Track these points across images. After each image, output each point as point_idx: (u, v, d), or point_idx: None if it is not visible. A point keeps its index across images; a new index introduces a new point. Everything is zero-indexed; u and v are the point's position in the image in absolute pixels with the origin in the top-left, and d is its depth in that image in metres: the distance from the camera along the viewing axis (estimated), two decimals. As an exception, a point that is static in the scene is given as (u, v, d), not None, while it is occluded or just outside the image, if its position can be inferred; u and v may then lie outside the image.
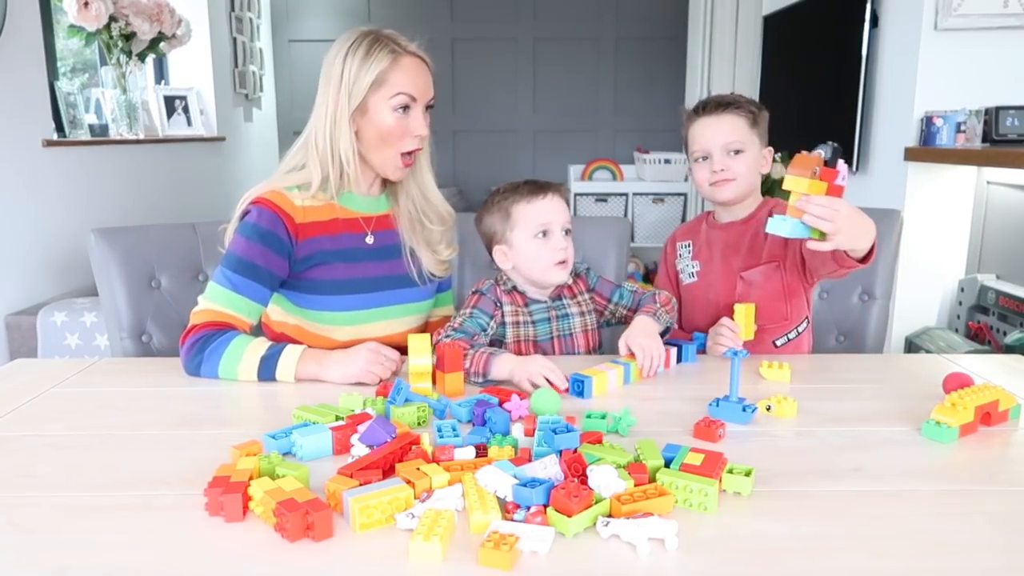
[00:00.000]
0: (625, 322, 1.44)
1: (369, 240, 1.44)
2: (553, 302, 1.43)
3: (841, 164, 1.13)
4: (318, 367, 1.26)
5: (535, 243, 1.36)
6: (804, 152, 1.13)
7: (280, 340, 1.36)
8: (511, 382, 1.23)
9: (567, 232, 1.38)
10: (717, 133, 1.45)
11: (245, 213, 1.37)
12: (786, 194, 1.16)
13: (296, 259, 1.37)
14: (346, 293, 1.40)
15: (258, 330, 1.40)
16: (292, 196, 1.36)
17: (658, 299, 1.40)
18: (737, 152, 1.44)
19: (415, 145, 1.39)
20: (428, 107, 1.42)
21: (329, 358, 1.27)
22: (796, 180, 1.11)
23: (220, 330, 1.29)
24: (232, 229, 1.37)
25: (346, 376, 1.25)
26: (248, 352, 1.26)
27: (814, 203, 1.11)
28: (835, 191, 1.13)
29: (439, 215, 1.52)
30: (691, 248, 1.58)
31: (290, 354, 1.26)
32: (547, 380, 1.19)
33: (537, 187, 1.38)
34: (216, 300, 1.32)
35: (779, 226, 1.14)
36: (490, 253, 1.44)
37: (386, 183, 1.48)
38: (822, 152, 1.12)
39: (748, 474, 0.86)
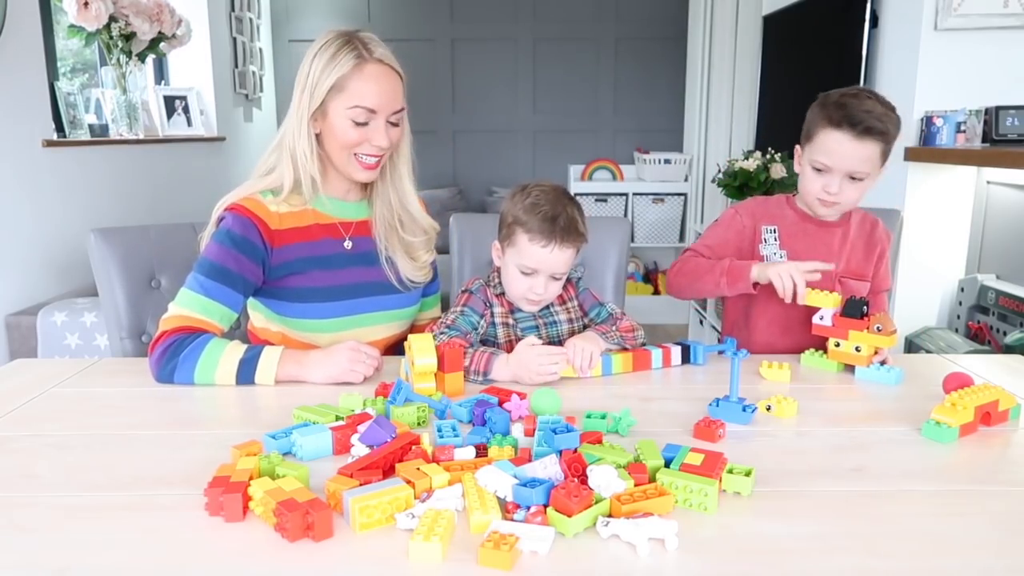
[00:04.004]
0: None
1: (347, 245, 1.41)
2: (540, 311, 1.42)
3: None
4: (299, 368, 1.25)
5: (517, 273, 1.34)
6: (881, 313, 1.31)
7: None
8: (513, 382, 1.24)
9: (555, 277, 1.35)
10: (849, 159, 1.36)
11: (220, 219, 1.35)
12: None
13: (271, 266, 1.35)
14: (325, 300, 1.38)
15: (232, 337, 1.36)
16: (267, 202, 1.34)
17: (619, 324, 1.39)
18: (857, 179, 1.38)
19: (374, 152, 1.35)
20: (393, 123, 1.35)
21: (309, 358, 1.25)
22: (893, 338, 1.28)
23: (193, 334, 1.26)
24: (208, 235, 1.35)
25: (328, 376, 1.24)
26: (225, 356, 1.23)
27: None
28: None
29: (420, 227, 1.49)
30: (778, 235, 1.48)
31: (269, 357, 1.24)
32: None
33: (548, 231, 1.29)
34: (188, 305, 1.29)
35: (888, 376, 1.27)
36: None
37: (366, 188, 1.46)
38: (865, 308, 1.31)
39: (748, 474, 0.86)
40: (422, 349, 1.17)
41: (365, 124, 1.31)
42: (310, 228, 1.38)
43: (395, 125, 1.36)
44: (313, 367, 1.25)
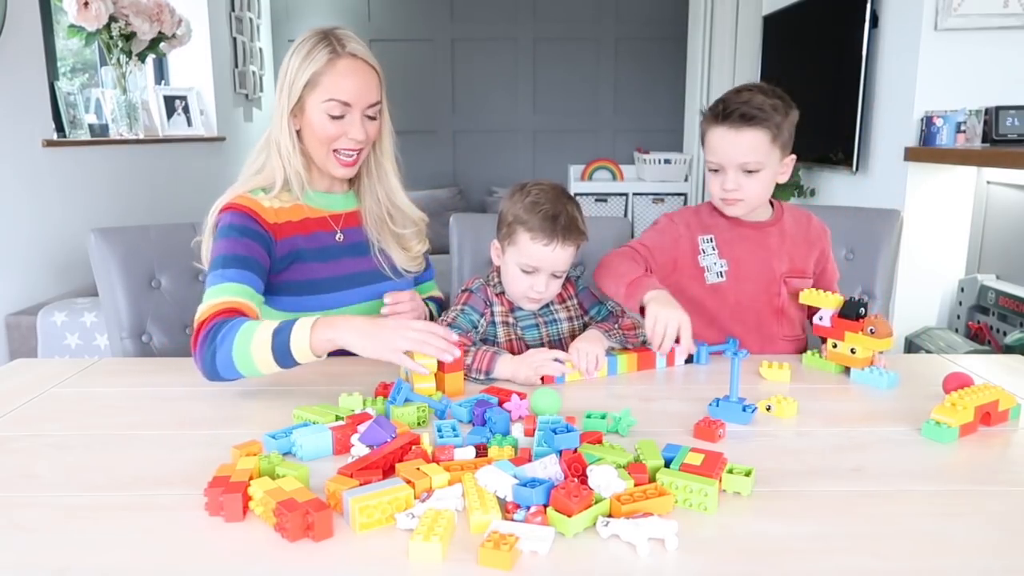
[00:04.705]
0: None
1: (339, 238, 1.43)
2: (540, 310, 1.42)
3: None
4: (334, 332, 1.13)
5: (518, 271, 1.35)
6: (874, 316, 1.29)
7: None
8: (512, 381, 1.24)
9: (556, 275, 1.35)
10: (734, 150, 1.34)
11: (217, 222, 1.34)
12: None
13: (276, 257, 1.35)
14: (325, 292, 1.39)
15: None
16: (260, 199, 1.35)
17: (621, 322, 1.39)
18: (752, 172, 1.35)
19: (351, 146, 1.36)
20: (370, 117, 1.35)
21: (349, 325, 1.14)
22: (888, 341, 1.27)
23: (230, 317, 1.20)
24: (207, 242, 1.34)
25: (380, 356, 1.12)
26: (260, 328, 1.15)
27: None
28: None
29: (410, 220, 1.50)
30: (715, 244, 1.45)
31: (302, 323, 1.14)
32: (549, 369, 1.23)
33: (549, 230, 1.29)
34: (217, 295, 1.24)
35: (880, 380, 1.25)
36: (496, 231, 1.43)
37: (352, 182, 1.48)
38: (863, 311, 1.29)
39: (748, 474, 0.86)
40: None
41: (341, 117, 1.33)
42: (304, 222, 1.40)
43: (372, 119, 1.37)
44: (367, 335, 1.12)
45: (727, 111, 1.33)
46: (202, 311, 1.23)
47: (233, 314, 1.21)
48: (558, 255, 1.31)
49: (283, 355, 1.14)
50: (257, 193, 1.36)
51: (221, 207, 1.35)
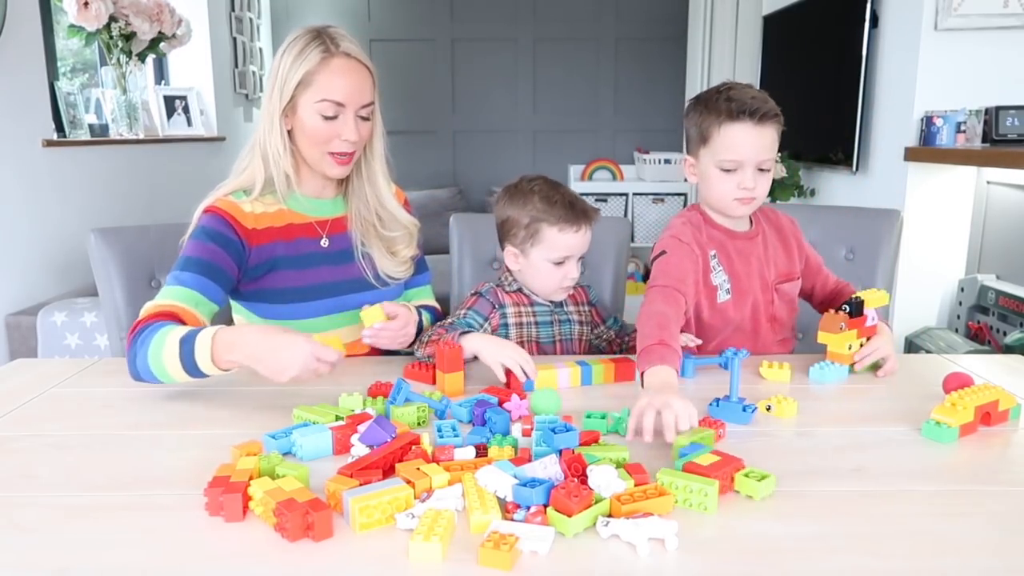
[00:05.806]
0: (609, 349, 1.49)
1: (324, 243, 1.41)
2: (555, 307, 1.44)
3: (868, 310, 1.31)
4: (230, 353, 1.09)
5: (549, 266, 1.37)
6: (830, 312, 1.30)
7: None
8: (480, 361, 1.24)
9: (581, 257, 1.40)
10: (757, 147, 1.29)
11: (197, 222, 1.34)
12: None
13: (249, 265, 1.34)
14: (304, 300, 1.37)
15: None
16: (242, 203, 1.34)
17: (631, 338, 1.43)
18: (764, 170, 1.31)
19: (345, 148, 1.34)
20: (363, 117, 1.34)
21: (252, 348, 1.09)
22: (827, 336, 1.29)
23: (160, 320, 1.17)
24: (187, 239, 1.33)
25: (277, 379, 1.08)
26: (172, 334, 1.12)
27: (864, 354, 1.30)
28: (870, 331, 1.33)
29: (400, 223, 1.47)
30: (719, 260, 1.39)
31: (202, 341, 1.09)
32: (521, 369, 1.19)
33: (574, 216, 1.35)
34: (163, 297, 1.23)
35: (824, 374, 1.27)
36: (500, 239, 1.44)
37: (341, 185, 1.45)
38: (846, 308, 1.29)
39: (762, 479, 0.86)
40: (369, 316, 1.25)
41: (334, 118, 1.31)
42: (287, 228, 1.38)
43: (365, 119, 1.35)
44: (260, 363, 1.08)
45: (750, 108, 1.27)
46: (142, 311, 1.21)
47: (168, 318, 1.19)
48: (585, 237, 1.38)
49: (191, 367, 1.11)
50: (239, 196, 1.35)
51: (203, 208, 1.34)
